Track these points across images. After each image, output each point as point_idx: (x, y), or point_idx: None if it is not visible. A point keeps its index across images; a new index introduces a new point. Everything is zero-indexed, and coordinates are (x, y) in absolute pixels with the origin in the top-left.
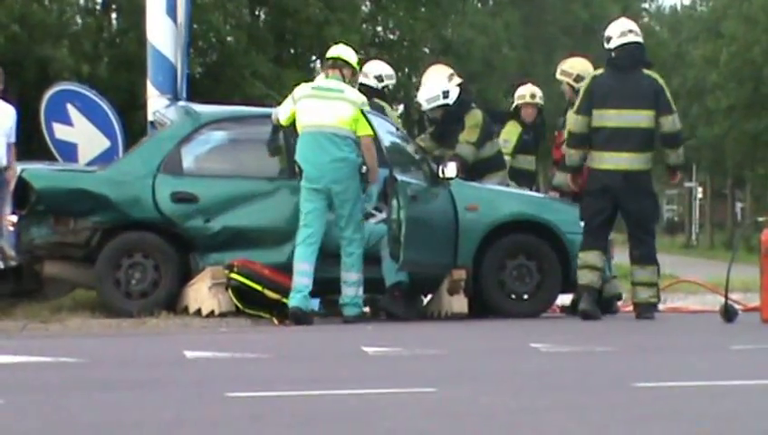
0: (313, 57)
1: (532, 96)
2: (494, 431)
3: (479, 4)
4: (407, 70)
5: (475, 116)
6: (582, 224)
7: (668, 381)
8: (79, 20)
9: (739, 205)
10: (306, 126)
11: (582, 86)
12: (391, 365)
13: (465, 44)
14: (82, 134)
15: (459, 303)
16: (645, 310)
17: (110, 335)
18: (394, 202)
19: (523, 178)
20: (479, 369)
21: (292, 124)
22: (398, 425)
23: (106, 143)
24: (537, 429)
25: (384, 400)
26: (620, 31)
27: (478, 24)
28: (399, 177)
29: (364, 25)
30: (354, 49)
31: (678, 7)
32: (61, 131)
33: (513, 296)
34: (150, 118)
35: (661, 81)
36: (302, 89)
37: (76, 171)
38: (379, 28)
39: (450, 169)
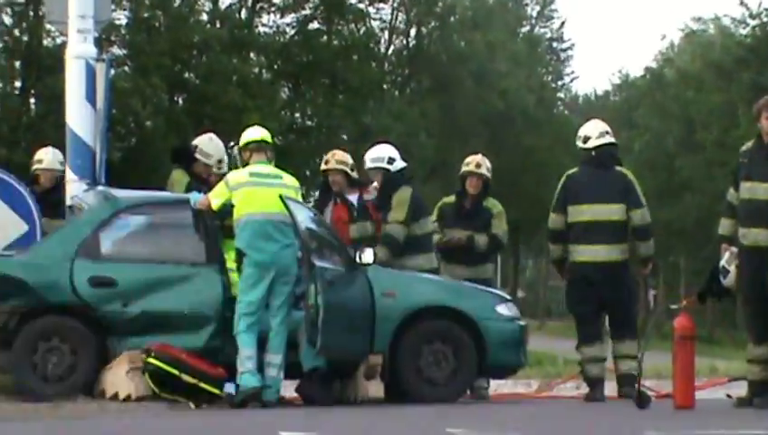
0: (231, 143)
1: (478, 166)
2: None
3: (397, 93)
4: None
5: (402, 193)
6: (573, 315)
7: None
8: None
9: (652, 292)
10: (251, 214)
11: (559, 186)
12: None
13: (383, 131)
14: (0, 218)
15: (376, 387)
16: (627, 381)
17: (26, 420)
18: (312, 287)
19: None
20: None
21: (221, 209)
22: None
23: (24, 227)
24: None
25: None
26: (599, 132)
27: (396, 111)
28: (317, 262)
29: (283, 112)
30: (270, 131)
31: (593, 97)
32: None
33: (430, 381)
34: (69, 202)
35: (631, 176)
36: (239, 175)
37: None
38: (298, 115)
39: (367, 255)
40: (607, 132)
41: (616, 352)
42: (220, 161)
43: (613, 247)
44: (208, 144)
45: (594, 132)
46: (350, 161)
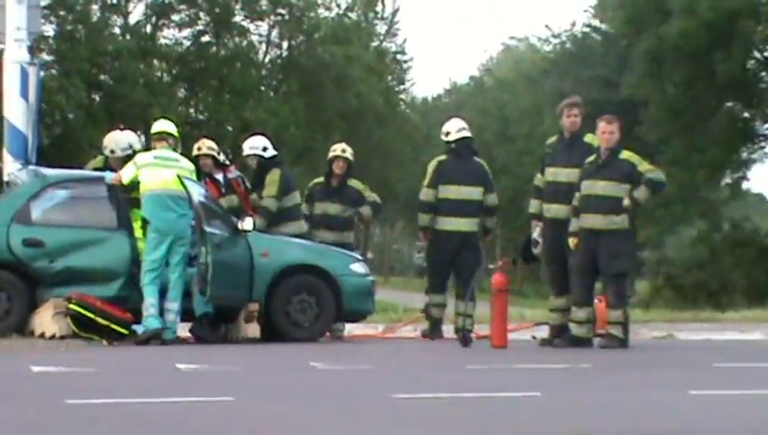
0: (138, 132)
1: (343, 150)
2: (281, 432)
3: (272, 93)
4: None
5: (273, 174)
6: (429, 268)
7: (421, 392)
8: None
9: None
10: (152, 189)
11: (430, 167)
12: (199, 378)
13: (261, 124)
14: None
15: (253, 329)
16: (466, 334)
17: None
18: (203, 249)
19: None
20: (269, 382)
21: (131, 184)
22: (204, 427)
23: None
24: (316, 430)
25: (192, 407)
26: (457, 128)
27: (271, 108)
28: (207, 229)
29: (180, 108)
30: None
31: (429, 98)
32: None
33: (297, 324)
34: (6, 179)
35: (486, 166)
36: (145, 157)
37: None
38: (192, 110)
39: (247, 223)
40: (464, 128)
41: (458, 309)
42: (113, 151)
43: (471, 221)
44: (105, 138)
45: (453, 128)
46: (217, 147)
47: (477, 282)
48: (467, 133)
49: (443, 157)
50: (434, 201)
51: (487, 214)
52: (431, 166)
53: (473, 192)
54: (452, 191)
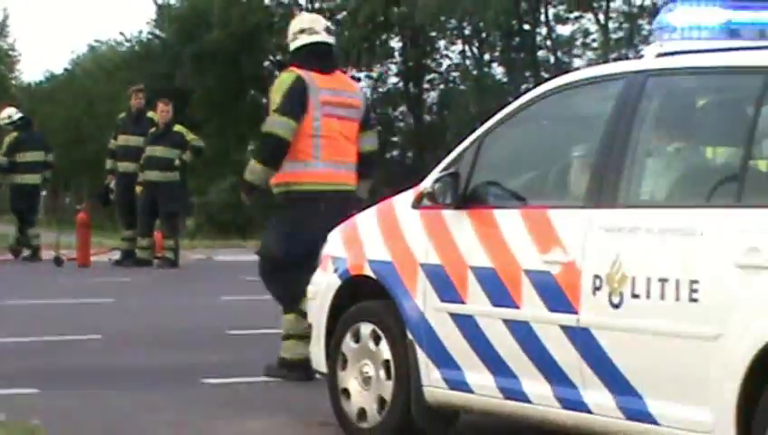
0: None
1: (9, 117)
2: None
3: None
4: None
5: None
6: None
7: (24, 300)
8: None
9: (67, 199)
10: None
11: (5, 142)
12: None
13: None
14: None
15: None
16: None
17: None
18: None
19: None
20: None
21: None
22: None
23: None
24: None
25: None
26: (15, 111)
27: None
28: None
29: None
30: None
31: (33, 84)
32: None
33: None
34: None
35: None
36: None
37: None
38: None
39: None
40: (18, 111)
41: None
42: None
43: (37, 175)
44: None
45: (13, 112)
46: None
47: (64, 219)
48: (22, 114)
49: (15, 133)
50: (7, 165)
51: (47, 169)
52: (6, 140)
53: (38, 155)
54: (26, 156)
